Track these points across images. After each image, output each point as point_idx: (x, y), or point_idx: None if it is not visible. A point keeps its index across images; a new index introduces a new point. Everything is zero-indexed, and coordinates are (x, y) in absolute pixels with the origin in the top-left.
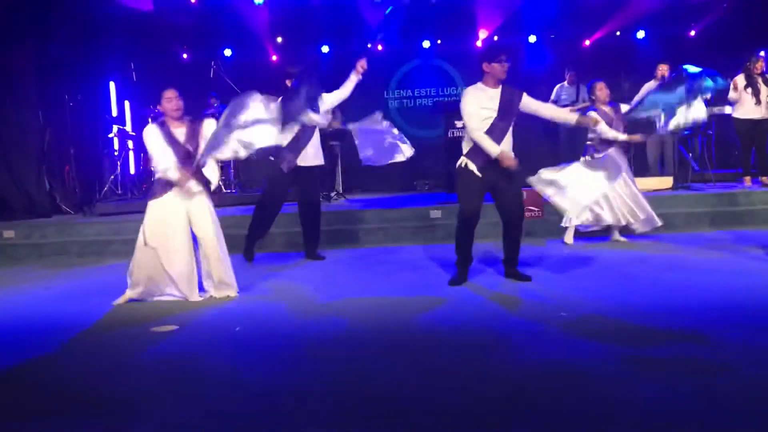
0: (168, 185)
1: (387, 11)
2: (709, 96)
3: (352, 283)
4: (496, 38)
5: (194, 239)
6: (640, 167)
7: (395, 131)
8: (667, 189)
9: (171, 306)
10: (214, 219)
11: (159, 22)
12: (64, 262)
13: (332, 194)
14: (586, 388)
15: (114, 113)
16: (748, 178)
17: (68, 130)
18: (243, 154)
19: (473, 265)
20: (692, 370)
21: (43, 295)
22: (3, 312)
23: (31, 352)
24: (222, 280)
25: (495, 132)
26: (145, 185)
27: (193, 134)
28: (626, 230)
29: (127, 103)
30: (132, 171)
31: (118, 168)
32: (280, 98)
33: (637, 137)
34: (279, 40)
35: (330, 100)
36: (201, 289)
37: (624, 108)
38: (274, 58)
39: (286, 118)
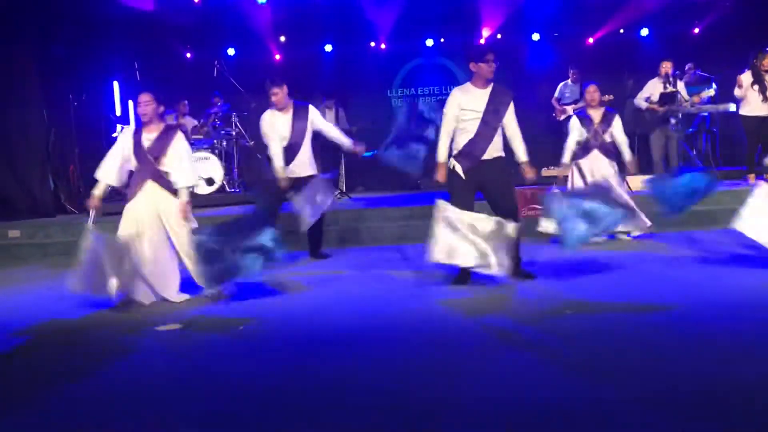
0: (136, 186)
1: None
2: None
3: (355, 282)
4: (499, 36)
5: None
6: (644, 165)
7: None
8: None
9: (173, 305)
10: (189, 218)
11: (162, 21)
12: (69, 262)
13: (336, 193)
14: (587, 388)
15: (118, 113)
16: (752, 176)
17: (72, 130)
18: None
19: None
20: (692, 366)
21: (47, 295)
22: (7, 311)
23: (33, 351)
24: None
25: (481, 132)
26: None
27: (161, 142)
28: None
29: (131, 103)
30: None
31: None
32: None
33: None
34: (282, 39)
35: (326, 127)
36: (196, 289)
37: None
38: (278, 57)
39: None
